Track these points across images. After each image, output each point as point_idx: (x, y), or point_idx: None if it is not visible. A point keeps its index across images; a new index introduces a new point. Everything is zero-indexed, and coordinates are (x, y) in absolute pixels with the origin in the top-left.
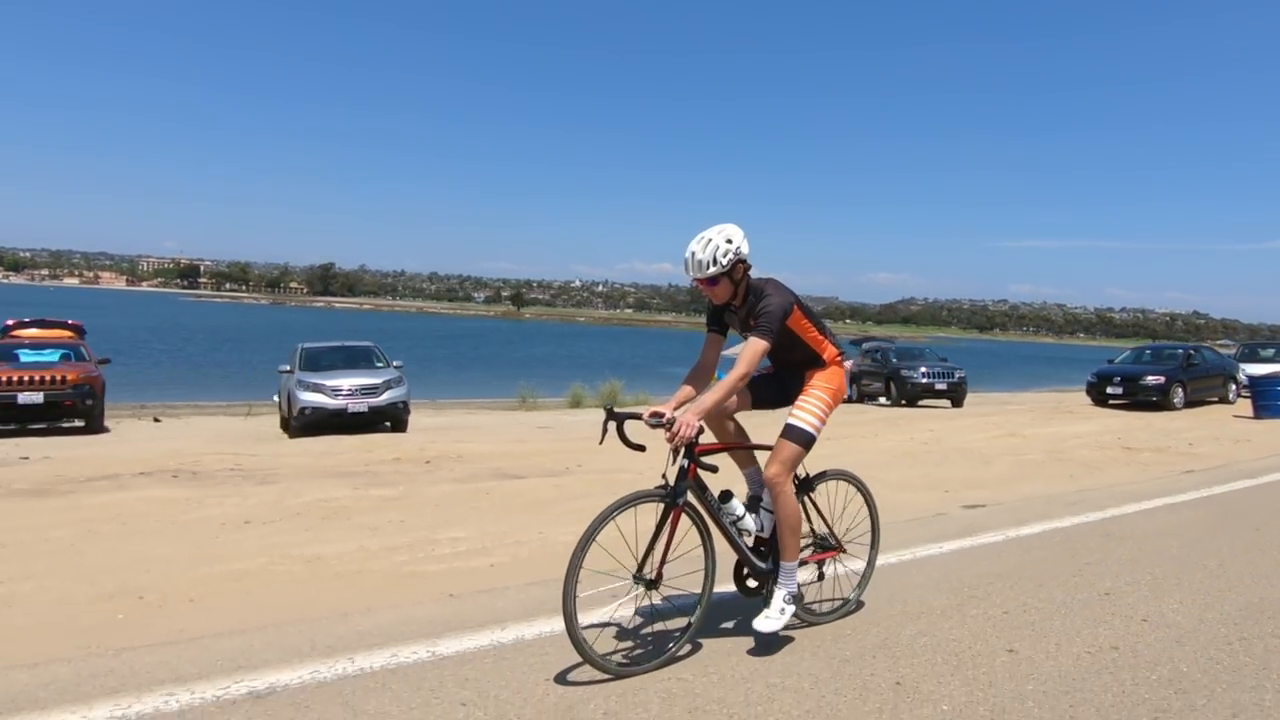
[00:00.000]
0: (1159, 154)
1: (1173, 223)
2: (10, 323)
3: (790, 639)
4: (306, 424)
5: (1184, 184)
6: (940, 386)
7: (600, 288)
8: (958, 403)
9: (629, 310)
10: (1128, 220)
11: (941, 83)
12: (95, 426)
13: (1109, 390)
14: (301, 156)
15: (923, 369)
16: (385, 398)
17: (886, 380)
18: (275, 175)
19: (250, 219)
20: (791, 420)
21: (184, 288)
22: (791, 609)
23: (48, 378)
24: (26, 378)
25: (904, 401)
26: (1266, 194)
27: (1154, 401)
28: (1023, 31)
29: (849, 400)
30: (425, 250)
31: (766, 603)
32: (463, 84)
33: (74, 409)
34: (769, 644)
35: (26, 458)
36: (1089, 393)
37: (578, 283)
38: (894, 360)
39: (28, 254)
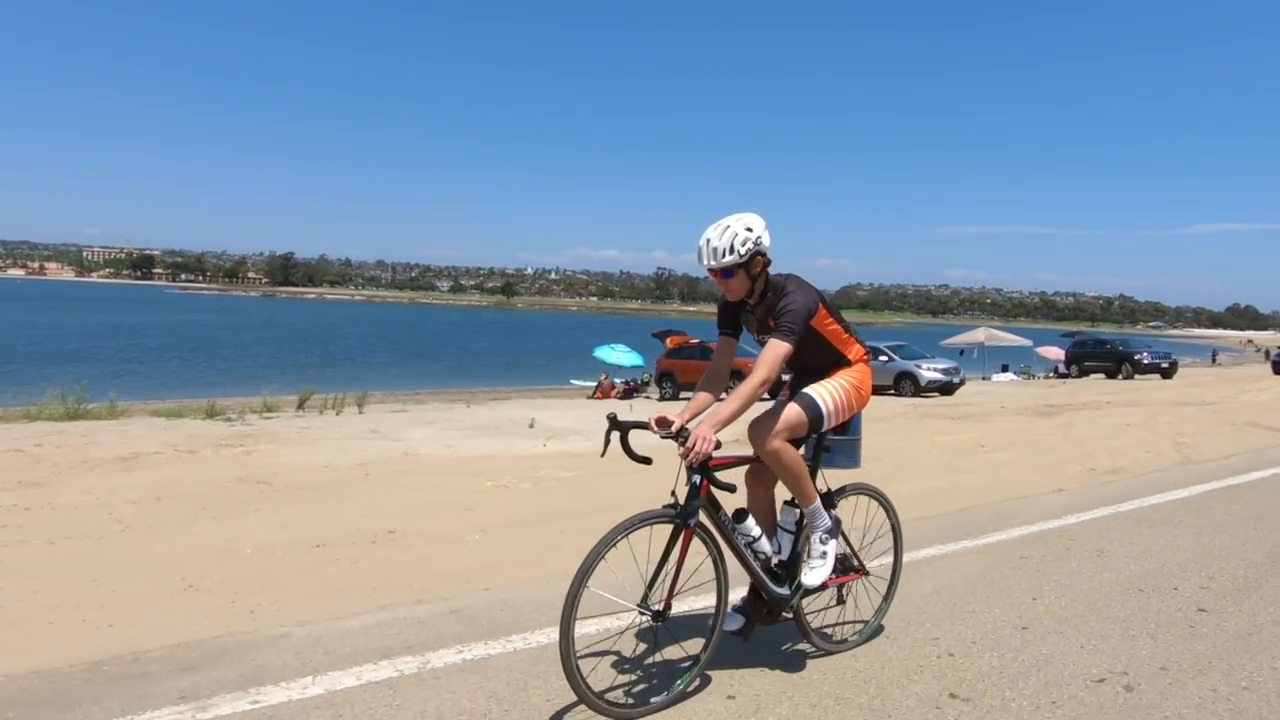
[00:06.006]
0: (1085, 140)
1: (1098, 209)
2: (656, 333)
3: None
4: (924, 389)
5: (1107, 170)
6: (1164, 365)
7: (554, 275)
8: (1168, 376)
9: (594, 299)
10: (1055, 206)
11: (873, 67)
12: None
13: None
14: (230, 138)
15: (1145, 353)
16: (960, 375)
17: (1117, 361)
18: (214, 160)
19: (180, 204)
20: (807, 389)
21: (137, 278)
22: (833, 542)
23: None
24: None
25: (1134, 376)
26: (1186, 180)
27: None
28: (942, 19)
29: (1065, 376)
30: (368, 238)
31: (792, 568)
32: (402, 62)
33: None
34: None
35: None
36: (1274, 368)
37: (530, 270)
38: (1120, 348)
39: None
